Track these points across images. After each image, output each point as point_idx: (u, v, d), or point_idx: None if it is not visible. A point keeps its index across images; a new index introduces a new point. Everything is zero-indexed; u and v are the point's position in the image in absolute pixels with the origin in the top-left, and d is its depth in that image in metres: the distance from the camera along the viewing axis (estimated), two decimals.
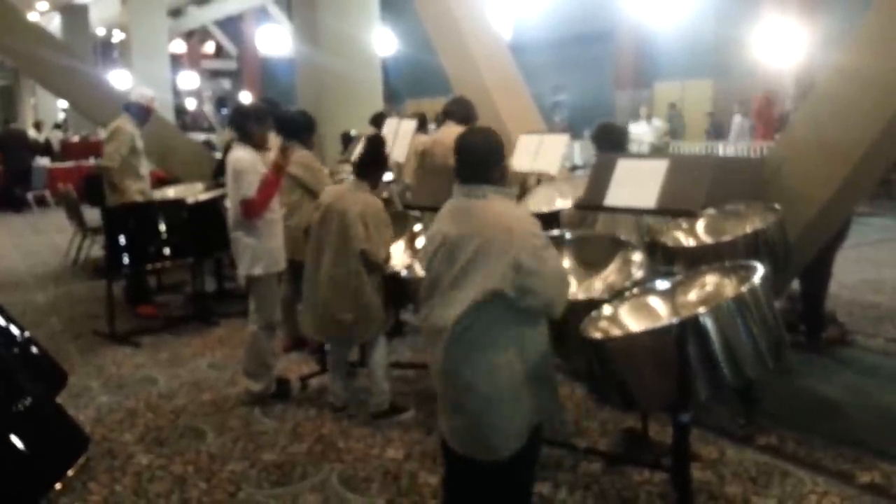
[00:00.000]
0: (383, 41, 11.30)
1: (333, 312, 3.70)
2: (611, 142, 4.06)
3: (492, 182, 2.36)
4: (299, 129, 4.70)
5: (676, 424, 2.69)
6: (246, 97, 25.47)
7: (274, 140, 5.10)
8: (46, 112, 23.36)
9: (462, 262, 2.28)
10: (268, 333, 4.08)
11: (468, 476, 2.47)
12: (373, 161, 3.85)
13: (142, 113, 5.95)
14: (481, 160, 2.38)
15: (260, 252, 3.99)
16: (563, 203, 4.59)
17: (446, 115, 5.41)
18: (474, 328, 2.26)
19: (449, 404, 2.39)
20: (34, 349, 3.35)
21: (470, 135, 2.51)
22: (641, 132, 11.61)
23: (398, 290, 3.92)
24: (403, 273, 3.82)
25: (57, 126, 19.51)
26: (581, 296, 3.23)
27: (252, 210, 3.92)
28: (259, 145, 4.08)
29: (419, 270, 3.85)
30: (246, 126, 4.03)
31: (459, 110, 5.33)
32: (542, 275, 2.23)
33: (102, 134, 15.91)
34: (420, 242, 4.22)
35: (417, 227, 4.39)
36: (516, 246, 2.21)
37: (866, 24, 3.92)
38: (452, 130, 5.26)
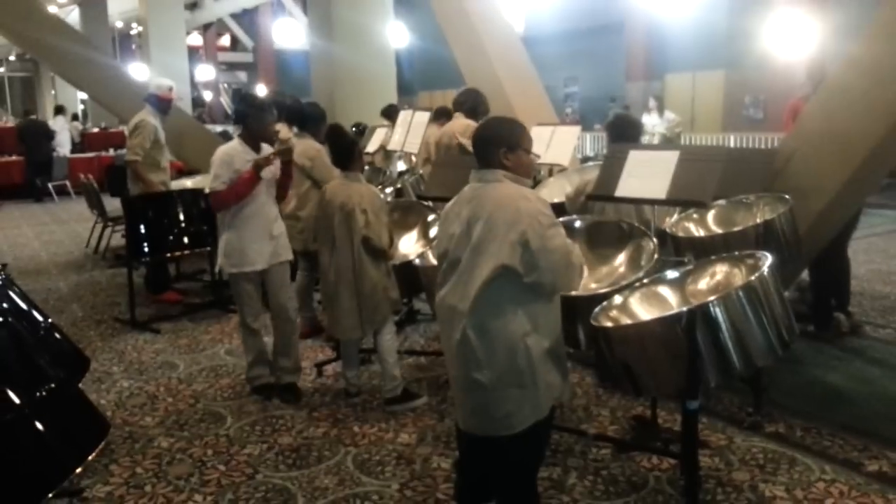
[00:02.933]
0: (396, 34, 11.32)
1: (343, 304, 3.77)
2: (625, 134, 4.07)
3: (505, 167, 2.44)
4: (308, 120, 4.79)
5: (685, 411, 2.72)
6: (261, 90, 25.59)
7: (286, 132, 5.19)
8: (66, 104, 23.57)
9: (475, 242, 2.36)
10: (246, 331, 4.01)
11: (483, 457, 2.51)
12: (343, 150, 3.88)
13: (162, 104, 6.01)
14: (486, 145, 2.47)
15: (228, 249, 3.87)
16: None
17: (455, 107, 5.47)
18: (488, 305, 2.33)
19: (464, 383, 2.43)
20: (57, 336, 3.43)
21: (482, 124, 2.60)
22: (653, 123, 11.59)
23: (411, 279, 3.98)
24: (416, 261, 3.87)
25: (75, 117, 19.65)
26: (592, 284, 3.27)
27: (215, 203, 3.85)
28: (261, 138, 3.93)
29: (432, 259, 3.92)
30: (245, 119, 3.88)
31: (467, 102, 5.38)
32: (548, 251, 2.29)
33: (122, 126, 16.10)
34: (433, 232, 4.28)
35: (431, 217, 4.45)
36: (523, 222, 2.29)
37: (878, 16, 3.92)
38: (459, 122, 5.31)
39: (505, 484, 2.54)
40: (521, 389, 2.35)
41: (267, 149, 3.92)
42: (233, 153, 3.81)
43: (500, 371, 2.34)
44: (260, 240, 3.86)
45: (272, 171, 3.85)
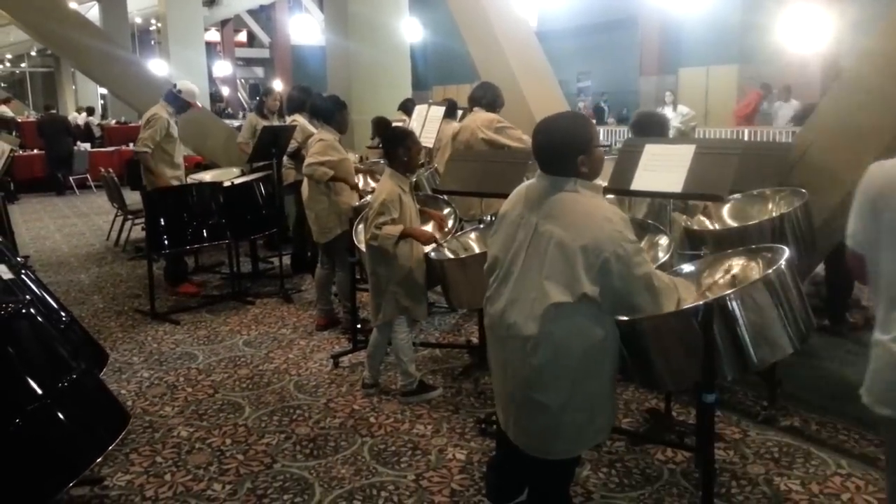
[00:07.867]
0: (410, 29, 11.37)
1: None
2: (651, 131, 4.04)
3: (579, 172, 2.26)
4: (324, 113, 4.93)
5: (701, 404, 2.70)
6: (277, 85, 25.75)
7: (308, 125, 5.28)
8: (86, 99, 23.86)
9: (544, 256, 2.22)
10: None
11: (524, 465, 2.49)
12: (386, 143, 3.89)
13: (183, 105, 6.04)
14: (561, 152, 2.25)
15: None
16: None
17: (472, 102, 5.49)
18: (557, 334, 2.20)
19: (520, 406, 2.36)
20: (78, 329, 3.49)
21: (549, 122, 2.32)
22: (667, 118, 11.61)
23: (427, 271, 4.00)
24: (432, 255, 3.89)
25: (90, 111, 19.71)
26: None
27: None
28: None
29: (447, 252, 3.94)
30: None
31: (486, 96, 5.39)
32: (630, 280, 2.18)
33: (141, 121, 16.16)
34: (450, 224, 4.29)
35: (446, 211, 4.47)
36: (606, 249, 2.14)
37: (894, 11, 3.88)
38: (478, 116, 5.33)
39: (542, 488, 2.54)
40: (583, 418, 2.29)
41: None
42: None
43: (563, 402, 2.25)
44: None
45: None
